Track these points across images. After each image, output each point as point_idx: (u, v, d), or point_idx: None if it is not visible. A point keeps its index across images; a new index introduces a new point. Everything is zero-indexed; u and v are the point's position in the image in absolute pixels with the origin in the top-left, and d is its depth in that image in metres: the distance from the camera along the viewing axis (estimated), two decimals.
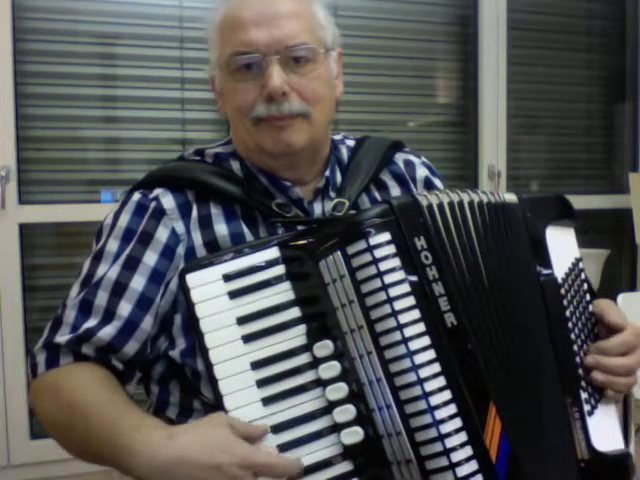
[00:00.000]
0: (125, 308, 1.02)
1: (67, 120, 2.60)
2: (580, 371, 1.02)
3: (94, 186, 2.65)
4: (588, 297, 1.09)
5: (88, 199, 2.63)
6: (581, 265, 1.10)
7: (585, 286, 1.09)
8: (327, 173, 1.16)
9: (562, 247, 1.08)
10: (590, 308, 1.08)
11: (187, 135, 2.73)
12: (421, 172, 1.26)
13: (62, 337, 1.01)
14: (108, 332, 1.01)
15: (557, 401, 1.00)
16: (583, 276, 1.09)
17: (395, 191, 1.21)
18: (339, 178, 1.18)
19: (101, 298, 1.03)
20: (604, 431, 1.02)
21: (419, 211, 0.94)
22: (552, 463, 0.97)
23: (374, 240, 0.91)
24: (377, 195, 1.19)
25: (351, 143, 1.25)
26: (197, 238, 1.06)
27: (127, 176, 2.67)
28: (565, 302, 1.04)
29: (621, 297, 2.16)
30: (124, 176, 2.68)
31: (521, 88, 3.18)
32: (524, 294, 1.02)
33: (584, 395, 1.01)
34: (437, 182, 1.28)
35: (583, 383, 1.02)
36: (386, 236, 0.91)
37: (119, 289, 1.03)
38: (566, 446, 0.99)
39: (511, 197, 1.06)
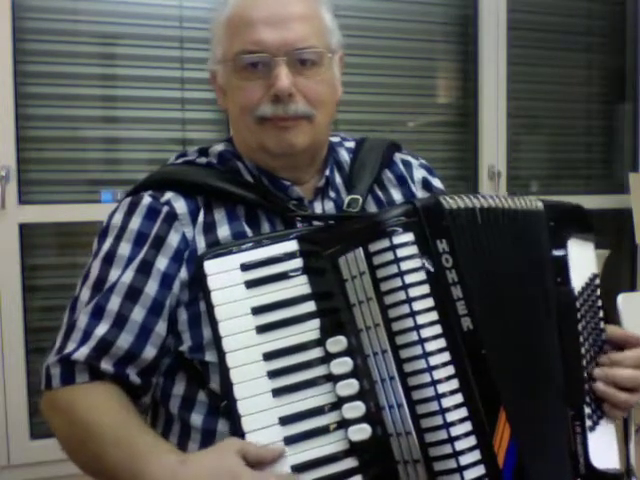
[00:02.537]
0: (139, 313, 1.02)
1: (67, 120, 2.60)
2: (586, 386, 1.02)
3: (94, 186, 2.64)
4: (601, 314, 1.09)
5: (88, 199, 2.62)
6: (597, 281, 1.10)
7: (599, 303, 1.09)
8: (327, 172, 1.16)
9: (581, 260, 1.08)
10: (601, 325, 1.08)
11: (187, 135, 2.73)
12: (418, 174, 1.26)
13: (78, 350, 1.00)
14: (125, 339, 1.01)
15: (561, 413, 1.00)
16: (598, 292, 1.09)
17: (395, 191, 1.21)
18: (337, 179, 1.18)
19: (115, 303, 1.02)
20: (602, 449, 1.02)
21: (442, 214, 0.94)
22: (553, 474, 0.98)
23: (397, 239, 0.90)
24: (380, 194, 1.19)
25: (350, 144, 1.25)
26: (200, 242, 1.06)
27: (127, 176, 2.67)
28: (579, 316, 1.04)
29: (621, 297, 2.14)
30: (124, 176, 2.68)
31: (521, 88, 3.17)
32: (539, 302, 1.02)
33: (587, 410, 1.02)
34: (436, 183, 1.28)
35: (588, 399, 1.02)
36: (409, 236, 0.90)
37: (134, 294, 1.02)
38: (566, 459, 0.99)
39: (537, 204, 1.06)
